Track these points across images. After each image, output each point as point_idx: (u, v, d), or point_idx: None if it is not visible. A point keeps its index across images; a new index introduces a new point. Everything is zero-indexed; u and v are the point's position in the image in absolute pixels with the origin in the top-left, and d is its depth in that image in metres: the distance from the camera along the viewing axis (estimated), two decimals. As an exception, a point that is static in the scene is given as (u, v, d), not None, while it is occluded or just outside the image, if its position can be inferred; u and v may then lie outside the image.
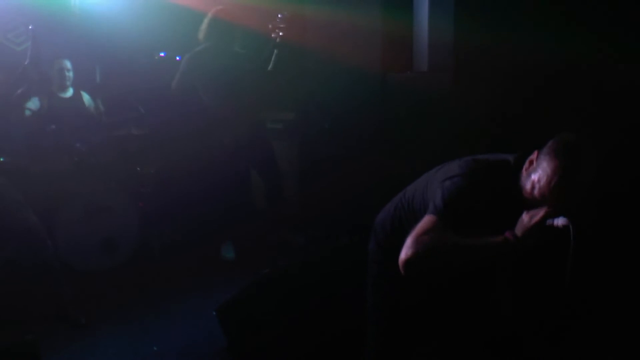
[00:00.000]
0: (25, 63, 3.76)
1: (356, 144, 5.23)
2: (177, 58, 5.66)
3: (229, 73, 4.69)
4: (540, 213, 2.06)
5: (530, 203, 2.11)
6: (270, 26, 4.75)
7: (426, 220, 2.15)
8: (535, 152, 2.14)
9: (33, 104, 4.69)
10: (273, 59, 4.74)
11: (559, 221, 2.02)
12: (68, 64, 4.96)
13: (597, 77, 3.96)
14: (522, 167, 2.17)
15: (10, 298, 3.92)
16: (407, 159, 4.76)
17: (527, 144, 2.40)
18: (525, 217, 2.09)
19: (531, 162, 2.14)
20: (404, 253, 2.09)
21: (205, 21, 4.76)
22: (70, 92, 5.06)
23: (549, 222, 2.04)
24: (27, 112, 4.62)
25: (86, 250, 4.56)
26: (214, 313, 3.08)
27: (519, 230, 2.08)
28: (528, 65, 4.22)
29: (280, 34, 4.72)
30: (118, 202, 4.77)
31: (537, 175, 2.08)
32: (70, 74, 4.99)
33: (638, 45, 3.82)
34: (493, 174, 2.21)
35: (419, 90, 4.77)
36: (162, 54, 5.59)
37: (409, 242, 2.10)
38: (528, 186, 2.11)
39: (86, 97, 5.15)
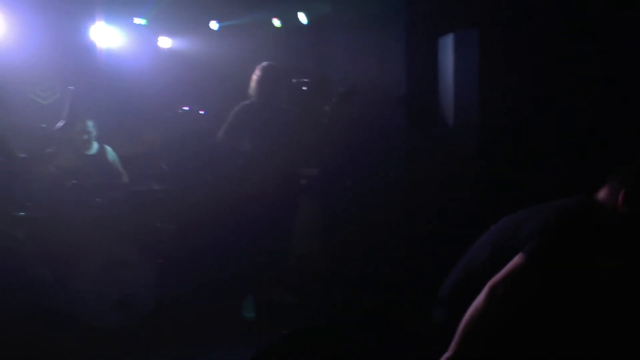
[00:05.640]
0: (61, 124, 3.75)
1: (379, 202, 5.15)
2: (201, 112, 5.70)
3: (273, 126, 4.80)
4: None
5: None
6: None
7: (514, 262, 2.22)
8: (622, 192, 2.23)
9: (57, 160, 4.70)
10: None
11: None
12: (90, 125, 5.00)
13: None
14: (602, 205, 2.28)
15: (21, 352, 3.81)
16: (432, 217, 4.68)
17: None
18: None
19: (623, 202, 2.24)
20: (478, 299, 2.22)
21: (254, 77, 4.88)
22: (94, 149, 5.09)
23: None
24: (51, 168, 4.62)
25: (101, 306, 4.45)
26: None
27: None
28: (556, 123, 4.17)
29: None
30: (136, 258, 4.68)
31: None
32: (94, 132, 5.02)
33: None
34: (583, 215, 2.28)
35: (445, 147, 4.71)
36: (185, 108, 5.62)
37: (486, 289, 2.21)
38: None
39: (110, 153, 5.16)
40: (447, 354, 2.22)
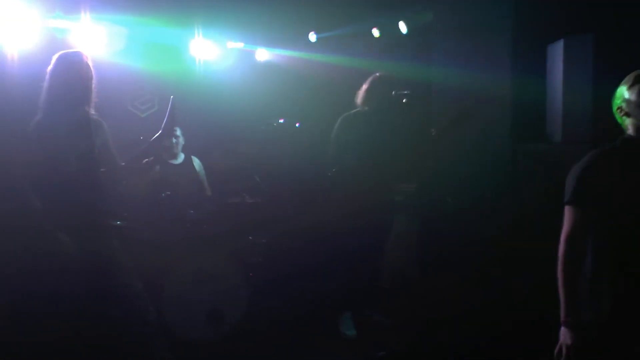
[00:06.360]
0: (158, 134, 3.77)
1: (482, 221, 4.89)
2: (297, 125, 5.65)
3: (376, 138, 4.66)
4: None
5: None
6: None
7: (565, 213, 2.49)
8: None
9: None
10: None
11: None
12: (178, 131, 5.04)
13: None
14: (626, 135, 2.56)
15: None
16: (539, 238, 4.37)
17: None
18: None
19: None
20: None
21: (364, 85, 4.78)
22: (181, 158, 5.14)
23: None
24: (144, 179, 4.69)
25: (192, 318, 4.47)
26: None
27: None
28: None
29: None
30: (227, 271, 4.67)
31: None
32: (181, 141, 5.07)
33: None
34: (611, 147, 2.56)
35: (553, 163, 4.42)
36: (281, 121, 5.59)
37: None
38: None
39: (196, 162, 5.21)
40: (561, 319, 2.45)
